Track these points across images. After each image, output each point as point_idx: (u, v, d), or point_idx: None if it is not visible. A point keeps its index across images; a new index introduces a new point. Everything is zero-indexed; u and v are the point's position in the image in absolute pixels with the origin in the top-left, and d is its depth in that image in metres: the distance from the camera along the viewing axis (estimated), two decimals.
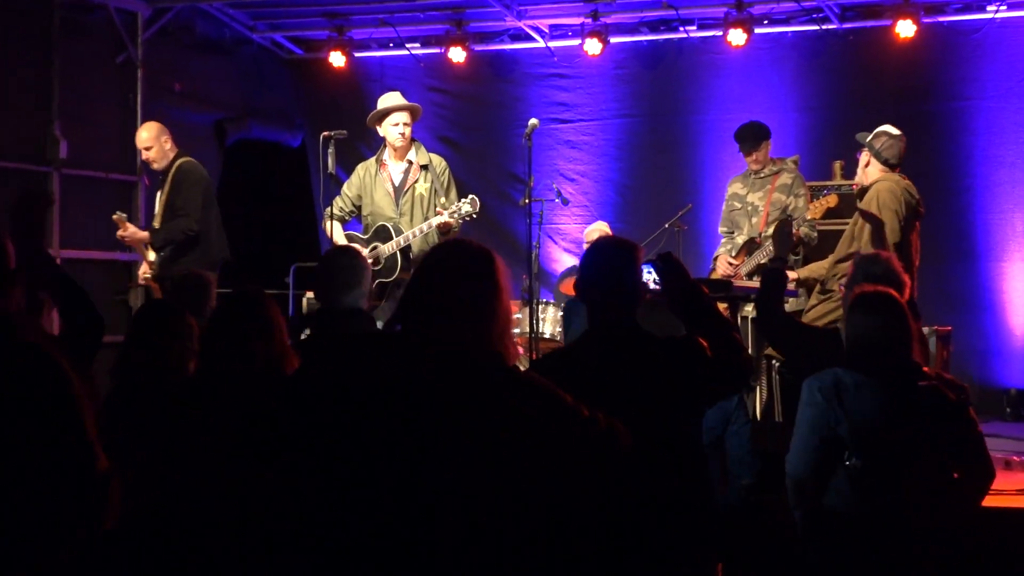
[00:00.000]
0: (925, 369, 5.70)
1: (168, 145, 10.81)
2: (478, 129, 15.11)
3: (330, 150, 9.80)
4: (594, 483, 4.42)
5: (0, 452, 3.87)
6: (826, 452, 5.58)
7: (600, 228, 12.52)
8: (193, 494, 4.72)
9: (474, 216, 9.56)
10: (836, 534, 5.58)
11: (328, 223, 10.07)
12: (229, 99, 15.16)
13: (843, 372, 5.60)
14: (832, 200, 10.03)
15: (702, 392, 5.03)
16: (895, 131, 9.27)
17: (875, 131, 9.31)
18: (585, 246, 12.51)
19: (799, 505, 5.69)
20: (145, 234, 10.90)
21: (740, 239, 10.74)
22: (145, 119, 13.33)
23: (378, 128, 10.29)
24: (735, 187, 11.15)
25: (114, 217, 11.00)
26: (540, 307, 10.71)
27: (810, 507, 5.65)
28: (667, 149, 13.94)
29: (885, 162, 9.12)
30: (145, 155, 10.84)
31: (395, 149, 10.12)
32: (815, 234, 10.55)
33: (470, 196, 9.53)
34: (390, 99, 10.17)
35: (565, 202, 12.71)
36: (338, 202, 10.20)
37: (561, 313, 11.01)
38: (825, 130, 13.17)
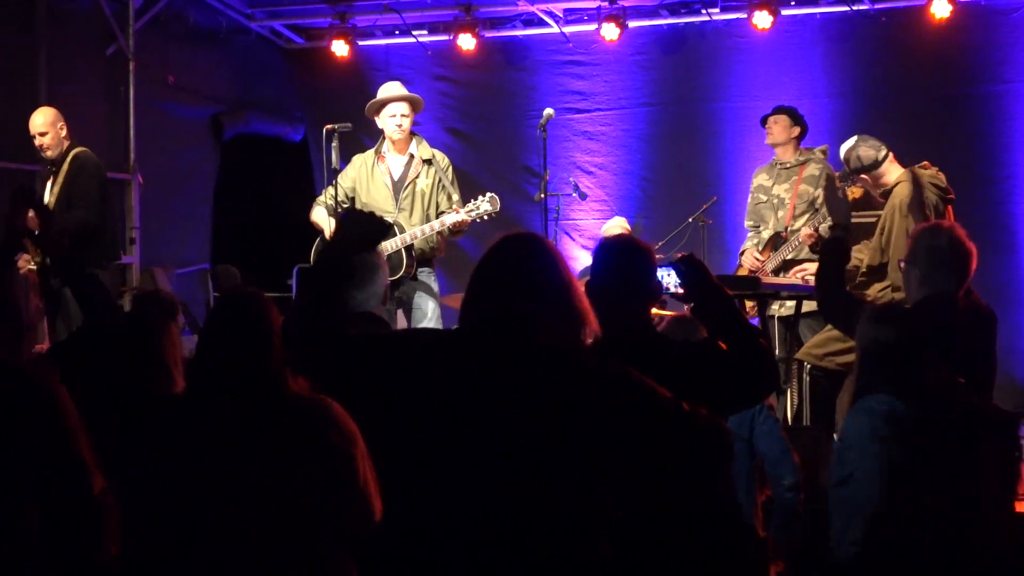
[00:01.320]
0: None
1: (64, 133, 10.61)
2: (489, 120, 15.07)
3: (334, 144, 9.76)
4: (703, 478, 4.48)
5: None
6: (894, 481, 5.38)
7: (619, 224, 12.43)
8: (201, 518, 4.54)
9: (494, 215, 9.46)
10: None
11: (317, 209, 9.96)
12: (226, 92, 15.21)
13: (884, 397, 5.44)
14: (857, 191, 9.89)
15: (722, 398, 4.88)
16: (849, 142, 9.35)
17: (844, 156, 9.30)
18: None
19: (866, 543, 5.41)
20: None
21: (765, 234, 10.68)
22: (137, 114, 13.66)
23: (376, 119, 10.24)
24: (760, 179, 11.03)
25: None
26: None
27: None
28: (690, 139, 13.84)
29: (876, 164, 9.14)
30: (39, 140, 10.54)
31: (394, 142, 10.05)
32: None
33: (489, 194, 9.46)
34: (389, 89, 10.14)
35: (583, 196, 12.67)
36: (330, 191, 10.11)
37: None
38: (857, 117, 13.05)
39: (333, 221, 9.77)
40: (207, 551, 4.40)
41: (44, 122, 10.55)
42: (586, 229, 14.40)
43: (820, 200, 10.35)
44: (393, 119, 9.96)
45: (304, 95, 15.81)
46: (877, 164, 9.12)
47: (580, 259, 14.02)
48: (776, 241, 10.49)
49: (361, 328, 5.56)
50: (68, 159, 10.48)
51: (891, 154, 9.15)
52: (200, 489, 4.46)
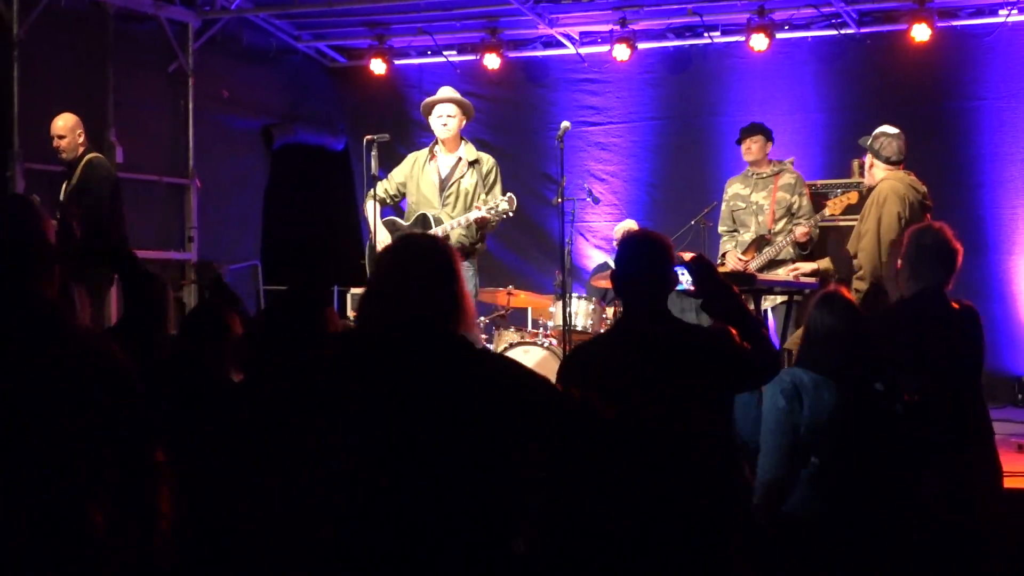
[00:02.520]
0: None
1: (81, 139, 10.48)
2: (512, 132, 15.10)
3: (373, 153, 9.65)
4: (570, 452, 4.46)
5: (52, 445, 3.73)
6: (794, 454, 5.48)
7: (629, 226, 12.59)
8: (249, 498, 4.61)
9: (511, 214, 9.50)
10: (797, 538, 5.49)
11: (368, 203, 9.98)
12: (275, 105, 15.29)
13: (801, 372, 5.54)
14: (853, 197, 10.02)
15: (732, 379, 5.05)
16: (893, 130, 9.32)
17: (874, 133, 9.38)
18: (615, 243, 12.64)
19: (771, 509, 5.52)
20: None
21: (747, 236, 10.71)
22: (196, 125, 13.62)
23: (428, 119, 10.17)
24: (735, 188, 11.08)
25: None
26: (572, 301, 10.76)
27: (776, 512, 5.53)
28: (693, 150, 13.98)
29: (887, 160, 9.15)
30: (57, 142, 10.45)
31: (442, 141, 10.01)
32: (817, 230, 10.59)
33: (508, 194, 9.45)
34: (440, 92, 10.11)
35: (596, 201, 12.73)
36: (383, 184, 10.09)
37: (592, 307, 11.08)
38: (844, 130, 13.06)
39: (377, 219, 9.79)
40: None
41: (64, 126, 10.48)
42: (599, 230, 14.55)
43: (796, 205, 10.58)
44: (439, 119, 9.92)
45: (346, 109, 15.90)
46: (890, 161, 9.17)
47: (594, 257, 14.19)
48: (760, 243, 10.52)
49: None
50: (83, 162, 10.44)
51: (901, 166, 9.24)
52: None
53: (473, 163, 9.83)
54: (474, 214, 9.42)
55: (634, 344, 5.00)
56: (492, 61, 14.31)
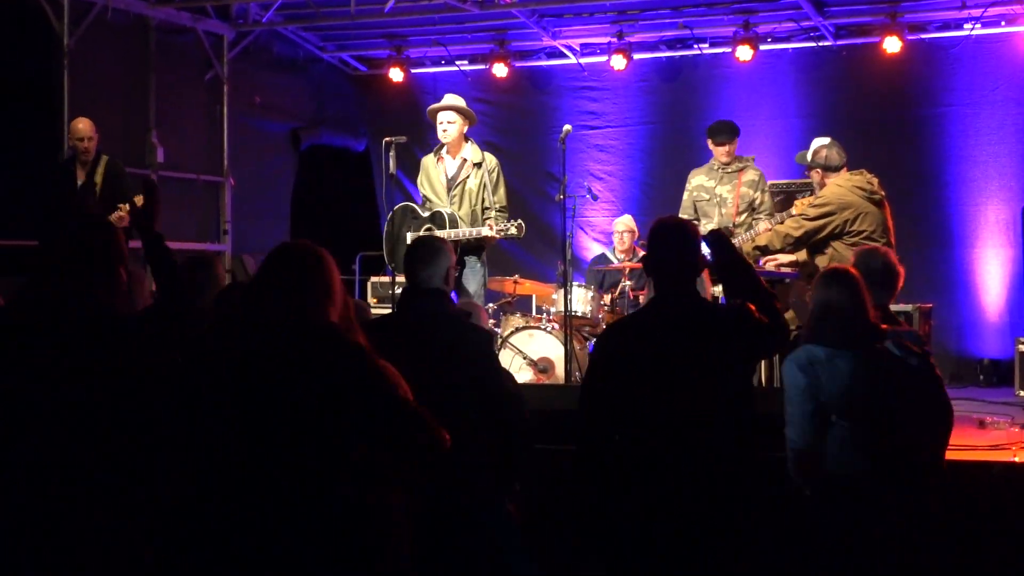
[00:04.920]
0: (883, 327, 5.57)
1: (96, 139, 10.36)
2: (519, 134, 15.09)
3: (391, 154, 9.68)
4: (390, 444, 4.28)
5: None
6: (820, 420, 5.39)
7: (625, 221, 12.60)
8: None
9: (518, 239, 9.46)
10: (840, 496, 5.39)
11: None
12: (303, 110, 15.33)
13: (812, 347, 5.44)
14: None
15: (753, 351, 5.17)
16: (825, 139, 9.33)
17: (812, 148, 9.30)
18: (613, 236, 12.59)
19: (808, 474, 5.41)
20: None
21: (709, 227, 10.44)
22: (230, 128, 13.71)
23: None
24: (699, 179, 10.67)
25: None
26: (573, 289, 10.67)
27: (817, 476, 5.41)
28: (684, 151, 13.86)
29: (834, 168, 9.13)
30: (86, 144, 10.26)
31: (446, 145, 9.91)
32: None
33: (518, 221, 9.34)
34: (443, 99, 10.02)
35: (595, 198, 12.65)
36: (422, 188, 10.08)
37: (591, 295, 10.99)
38: (822, 133, 12.68)
39: None
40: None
41: (90, 128, 10.30)
42: (597, 225, 14.52)
43: (758, 201, 10.38)
44: (440, 125, 9.82)
45: (367, 113, 15.87)
46: (835, 169, 9.12)
47: (592, 249, 14.15)
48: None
49: (424, 301, 5.67)
50: (102, 162, 10.30)
51: (845, 167, 9.16)
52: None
53: (478, 164, 9.75)
54: (484, 231, 9.33)
55: (665, 320, 5.00)
56: (500, 70, 14.33)
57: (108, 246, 4.58)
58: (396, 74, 14.61)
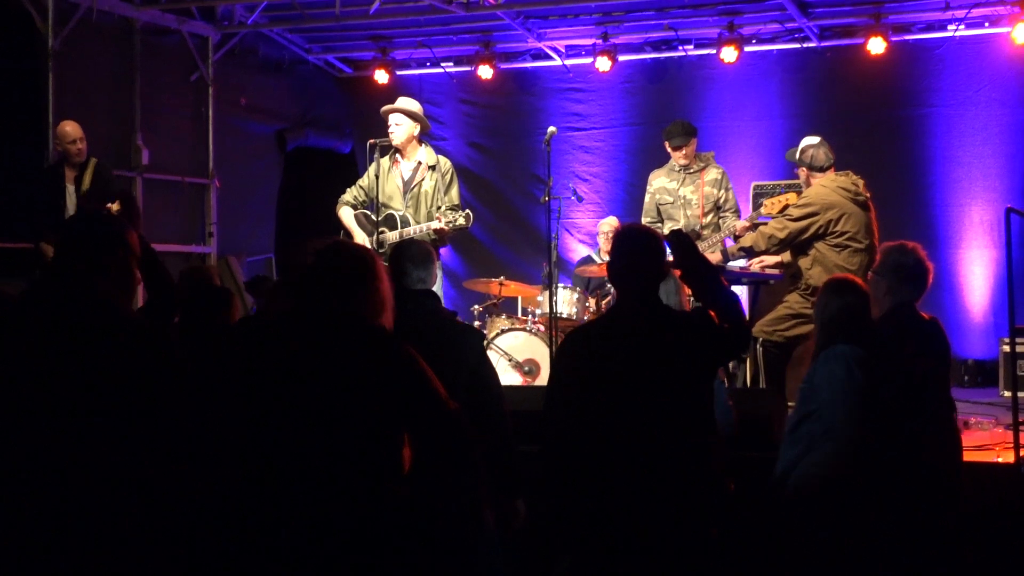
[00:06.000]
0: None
1: (86, 142, 10.39)
2: (504, 136, 15.10)
3: (376, 155, 9.75)
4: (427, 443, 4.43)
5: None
6: (868, 414, 5.63)
7: (611, 222, 12.61)
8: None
9: (466, 228, 9.48)
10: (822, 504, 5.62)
11: (342, 209, 10.00)
12: (288, 112, 15.27)
13: (854, 347, 5.67)
14: (792, 197, 9.84)
15: (712, 358, 5.16)
16: (815, 139, 9.33)
17: (800, 147, 9.32)
18: (599, 238, 12.59)
19: (856, 464, 5.65)
20: None
21: (670, 227, 10.32)
22: (216, 130, 13.69)
23: None
24: (661, 181, 10.55)
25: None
26: (558, 291, 10.68)
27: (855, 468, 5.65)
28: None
29: (820, 168, 9.14)
30: (79, 146, 10.29)
31: (399, 148, 9.88)
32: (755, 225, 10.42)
33: (466, 211, 9.39)
34: (396, 101, 10.03)
35: (580, 199, 12.66)
36: (353, 191, 10.09)
37: (576, 296, 10.98)
38: (807, 134, 12.83)
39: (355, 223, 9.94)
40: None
41: (78, 130, 10.30)
42: (583, 226, 14.48)
43: (723, 199, 10.28)
44: (389, 128, 9.86)
45: (352, 115, 15.77)
46: (821, 169, 9.13)
47: (578, 251, 14.16)
48: (692, 236, 10.25)
49: (425, 301, 5.72)
50: (91, 164, 10.30)
51: (832, 168, 9.17)
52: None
53: (432, 167, 9.76)
54: (434, 224, 9.32)
55: (625, 327, 5.06)
56: (486, 72, 14.28)
57: (121, 244, 4.59)
58: (381, 76, 14.56)
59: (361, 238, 9.84)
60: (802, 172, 9.26)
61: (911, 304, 6.17)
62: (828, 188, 8.94)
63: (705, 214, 10.23)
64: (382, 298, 4.38)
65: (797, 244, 8.98)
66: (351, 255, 4.44)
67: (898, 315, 6.18)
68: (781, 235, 8.95)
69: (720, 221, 10.17)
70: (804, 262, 8.99)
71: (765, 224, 9.21)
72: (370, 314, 4.32)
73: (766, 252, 9.16)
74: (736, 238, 9.64)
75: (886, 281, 6.22)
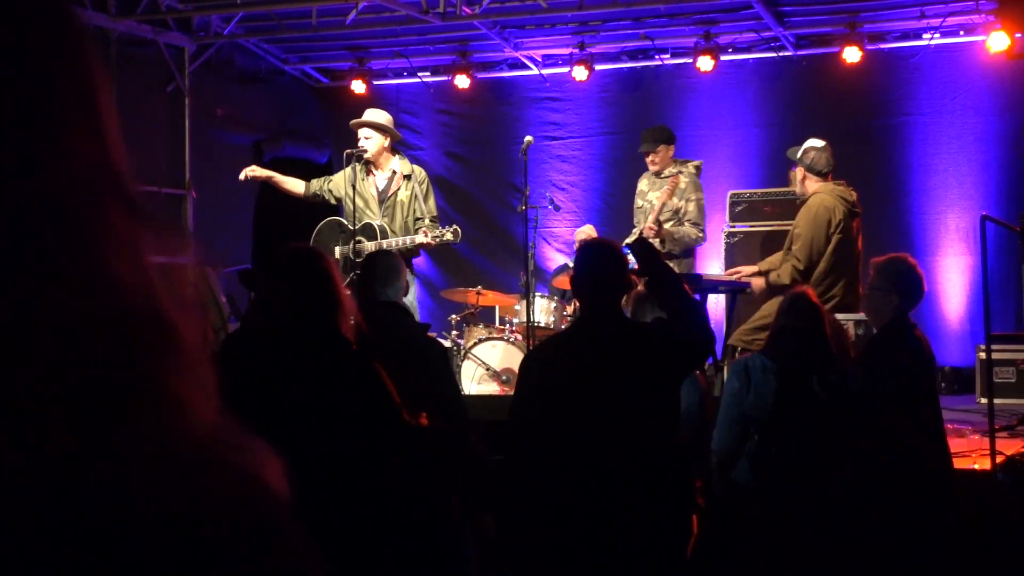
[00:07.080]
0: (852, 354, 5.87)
1: None
2: (481, 145, 15.10)
3: (353, 162, 9.75)
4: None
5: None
6: (741, 428, 5.69)
7: (587, 231, 12.49)
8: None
9: (454, 243, 9.47)
10: (742, 506, 5.71)
11: (292, 178, 10.02)
12: (265, 122, 15.22)
13: (758, 357, 5.77)
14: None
15: (675, 369, 5.14)
16: (820, 143, 9.31)
17: (803, 147, 9.31)
18: (576, 246, 12.55)
19: (721, 476, 5.75)
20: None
21: (630, 240, 10.25)
22: (192, 141, 13.64)
23: None
24: (642, 184, 10.70)
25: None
26: (536, 300, 10.66)
27: (727, 479, 5.74)
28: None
29: (819, 173, 9.14)
30: None
31: (371, 159, 9.88)
32: (703, 235, 10.39)
33: (454, 226, 9.40)
34: (364, 114, 10.06)
35: (557, 208, 12.67)
36: (319, 181, 10.23)
37: (554, 305, 10.97)
38: (783, 143, 12.78)
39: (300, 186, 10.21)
40: None
41: None
42: (560, 235, 14.45)
43: (683, 211, 10.22)
44: (359, 141, 9.90)
45: (329, 125, 15.71)
46: (819, 174, 9.13)
47: (555, 260, 14.15)
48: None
49: (388, 315, 5.72)
50: None
51: (830, 176, 9.19)
52: None
53: (407, 176, 9.75)
54: (420, 238, 9.30)
55: (587, 340, 5.08)
56: (463, 81, 14.29)
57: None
58: (358, 86, 14.55)
59: (292, 184, 10.24)
60: (799, 172, 9.24)
61: (908, 312, 6.33)
62: (829, 196, 8.94)
63: (656, 221, 10.08)
64: (336, 295, 4.39)
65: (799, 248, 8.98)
66: (296, 258, 4.49)
67: (896, 326, 6.30)
68: (802, 267, 8.89)
69: (675, 232, 10.11)
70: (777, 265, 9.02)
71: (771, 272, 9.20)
72: (328, 315, 4.34)
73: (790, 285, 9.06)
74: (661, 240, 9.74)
75: (896, 294, 6.33)
